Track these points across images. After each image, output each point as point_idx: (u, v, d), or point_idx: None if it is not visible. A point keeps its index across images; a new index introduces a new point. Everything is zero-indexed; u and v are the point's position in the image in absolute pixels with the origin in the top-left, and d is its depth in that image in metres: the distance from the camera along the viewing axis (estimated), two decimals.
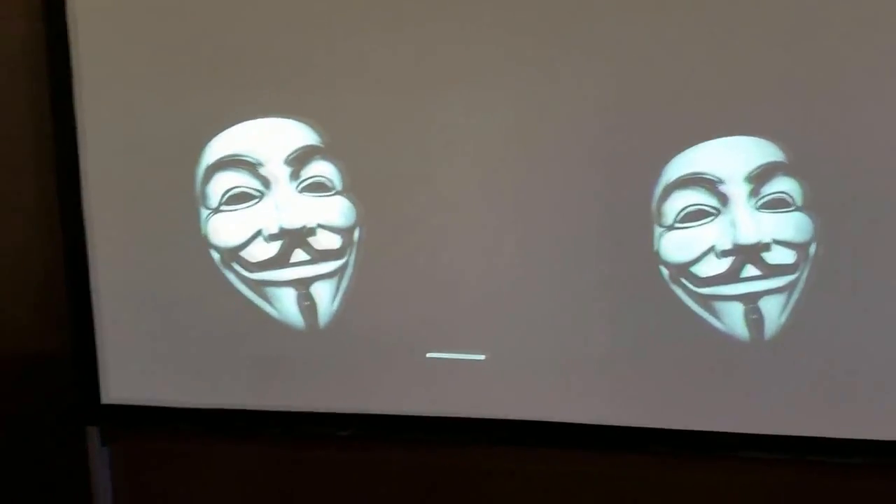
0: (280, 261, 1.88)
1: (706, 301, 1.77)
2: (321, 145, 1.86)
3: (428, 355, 1.88)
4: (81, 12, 1.89)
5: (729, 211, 1.73)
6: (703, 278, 1.76)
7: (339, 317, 1.89)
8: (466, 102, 1.79)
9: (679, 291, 1.77)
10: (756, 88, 1.70)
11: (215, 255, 1.92)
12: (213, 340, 1.94)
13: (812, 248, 1.72)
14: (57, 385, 2.04)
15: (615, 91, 1.74)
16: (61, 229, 1.97)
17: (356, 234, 1.87)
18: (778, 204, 1.72)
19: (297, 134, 1.86)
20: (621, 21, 1.72)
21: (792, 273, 1.73)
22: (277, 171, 1.86)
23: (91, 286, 1.96)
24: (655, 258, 1.77)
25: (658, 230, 1.76)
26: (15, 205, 2.03)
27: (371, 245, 1.86)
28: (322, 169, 1.86)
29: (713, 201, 1.73)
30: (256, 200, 1.87)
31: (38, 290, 2.05)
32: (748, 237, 1.73)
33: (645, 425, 1.82)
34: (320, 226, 1.86)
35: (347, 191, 1.86)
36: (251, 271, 1.90)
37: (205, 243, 1.91)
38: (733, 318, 1.76)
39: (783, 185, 1.72)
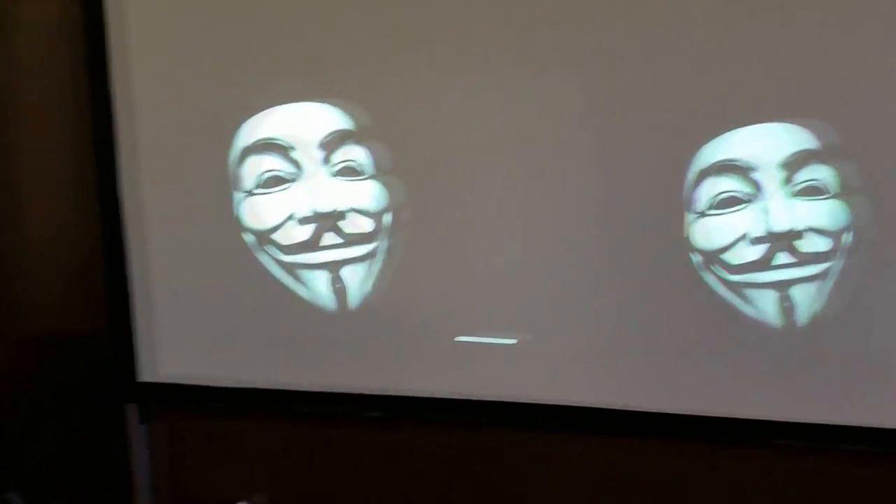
0: (312, 244, 1.90)
1: (737, 288, 1.75)
2: (353, 130, 1.87)
3: (457, 339, 1.89)
4: None
5: (762, 198, 1.71)
6: (735, 266, 1.74)
7: (370, 299, 1.91)
8: (501, 85, 1.78)
9: (710, 279, 1.76)
10: (791, 74, 1.68)
11: (249, 238, 1.94)
12: (247, 321, 1.97)
13: (846, 237, 1.70)
14: (96, 364, 2.08)
15: (649, 77, 1.73)
16: (99, 211, 2.00)
17: (387, 218, 1.88)
18: (812, 191, 1.70)
19: (330, 118, 1.87)
20: (660, 4, 1.70)
21: (825, 261, 1.71)
22: (310, 155, 1.88)
23: (128, 267, 2.00)
24: (686, 245, 1.76)
25: (689, 217, 1.75)
26: (54, 187, 2.08)
27: (402, 229, 1.87)
28: (354, 153, 1.87)
29: (746, 188, 1.72)
30: (289, 184, 1.89)
31: (76, 270, 2.09)
32: (781, 224, 1.71)
33: (674, 411, 1.82)
34: (352, 210, 1.88)
35: (379, 175, 1.87)
36: (284, 254, 1.92)
37: (239, 226, 1.93)
38: (765, 306, 1.75)
39: (818, 173, 1.69)
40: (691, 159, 1.73)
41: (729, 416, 1.80)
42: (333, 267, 1.91)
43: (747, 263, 1.73)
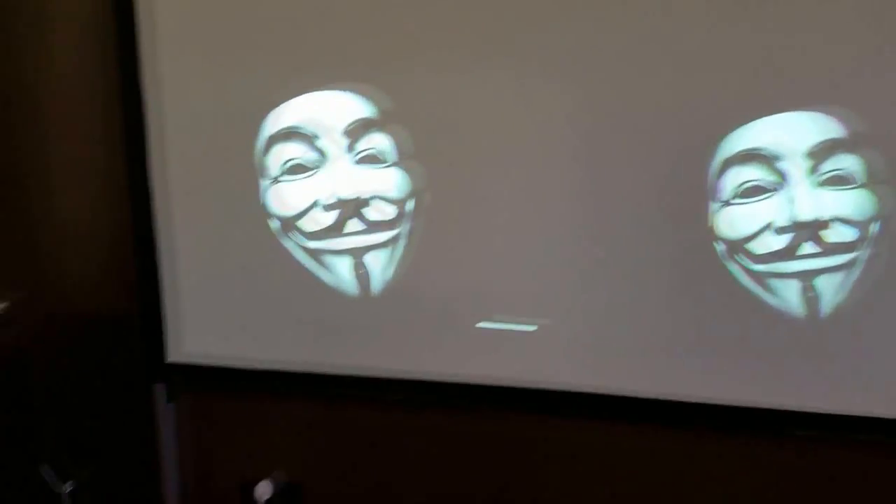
0: (336, 230, 1.92)
1: (762, 278, 1.74)
2: (377, 118, 1.88)
3: (478, 325, 1.90)
4: None
5: (787, 187, 1.70)
6: (759, 255, 1.73)
7: (393, 285, 1.93)
8: (526, 73, 1.78)
9: (734, 268, 1.75)
10: (817, 63, 1.66)
11: (274, 224, 1.96)
12: (272, 305, 2.00)
13: (873, 226, 1.68)
14: (125, 344, 2.13)
15: (674, 66, 1.72)
16: (129, 198, 2.04)
17: (409, 205, 1.89)
18: (838, 181, 1.68)
19: (354, 106, 1.88)
20: None
21: (851, 251, 1.69)
22: (334, 142, 1.89)
23: (157, 251, 2.04)
24: (710, 234, 1.75)
25: (714, 206, 1.74)
26: (86, 175, 2.11)
27: (424, 216, 1.88)
28: (377, 141, 1.88)
29: (771, 177, 1.70)
30: (313, 171, 1.91)
31: (107, 253, 2.13)
32: (806, 214, 1.69)
33: (697, 400, 1.82)
34: (375, 196, 1.89)
35: (402, 162, 1.88)
36: (308, 240, 1.94)
37: (264, 212, 1.96)
38: (789, 296, 1.74)
39: (844, 162, 1.68)
40: (716, 148, 1.72)
41: (752, 405, 1.80)
42: (357, 253, 1.93)
43: (772, 253, 1.72)
